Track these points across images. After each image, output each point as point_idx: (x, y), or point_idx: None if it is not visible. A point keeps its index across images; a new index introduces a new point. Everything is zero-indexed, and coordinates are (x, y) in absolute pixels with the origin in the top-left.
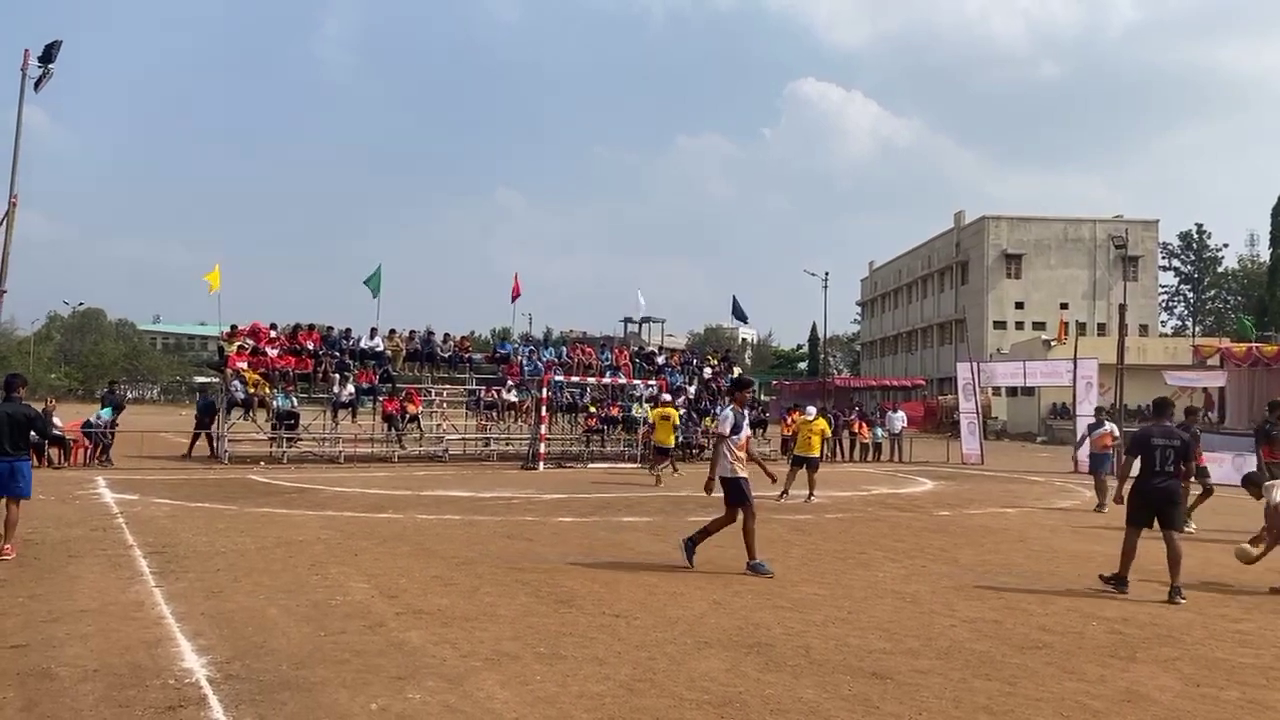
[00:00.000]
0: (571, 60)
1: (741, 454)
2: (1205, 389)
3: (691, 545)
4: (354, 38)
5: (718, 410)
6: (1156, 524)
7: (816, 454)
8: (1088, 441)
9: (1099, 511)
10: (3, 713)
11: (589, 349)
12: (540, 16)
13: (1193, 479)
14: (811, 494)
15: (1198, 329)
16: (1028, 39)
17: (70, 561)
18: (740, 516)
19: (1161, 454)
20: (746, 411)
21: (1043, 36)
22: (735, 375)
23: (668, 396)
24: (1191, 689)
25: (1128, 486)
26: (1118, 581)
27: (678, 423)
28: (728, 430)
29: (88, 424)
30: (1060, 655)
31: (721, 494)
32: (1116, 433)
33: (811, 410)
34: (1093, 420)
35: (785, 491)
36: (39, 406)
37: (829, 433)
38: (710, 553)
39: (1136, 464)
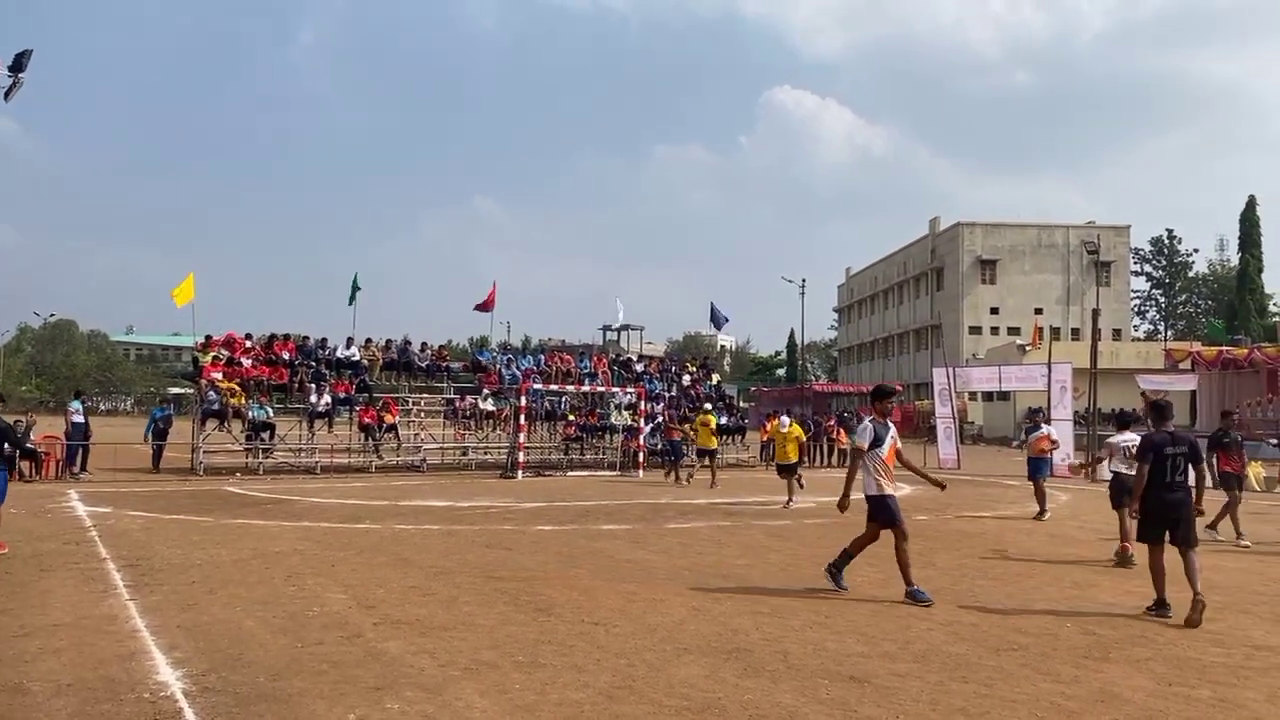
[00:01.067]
0: (548, 68)
1: (889, 469)
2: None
3: (837, 571)
4: (330, 46)
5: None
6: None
7: (794, 460)
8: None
9: (1039, 520)
10: None
11: (568, 357)
12: (517, 25)
13: (1215, 486)
14: (790, 500)
15: (1169, 333)
16: (1000, 47)
17: (42, 575)
18: (894, 539)
19: (1172, 463)
20: (890, 423)
21: (1015, 44)
22: (876, 385)
23: (709, 405)
24: (1164, 688)
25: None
26: (1159, 605)
27: (714, 428)
28: (866, 444)
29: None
30: (1035, 657)
31: (860, 514)
32: (1054, 435)
33: (785, 420)
34: (1030, 424)
35: (790, 500)
36: (18, 421)
37: (804, 439)
38: (690, 559)
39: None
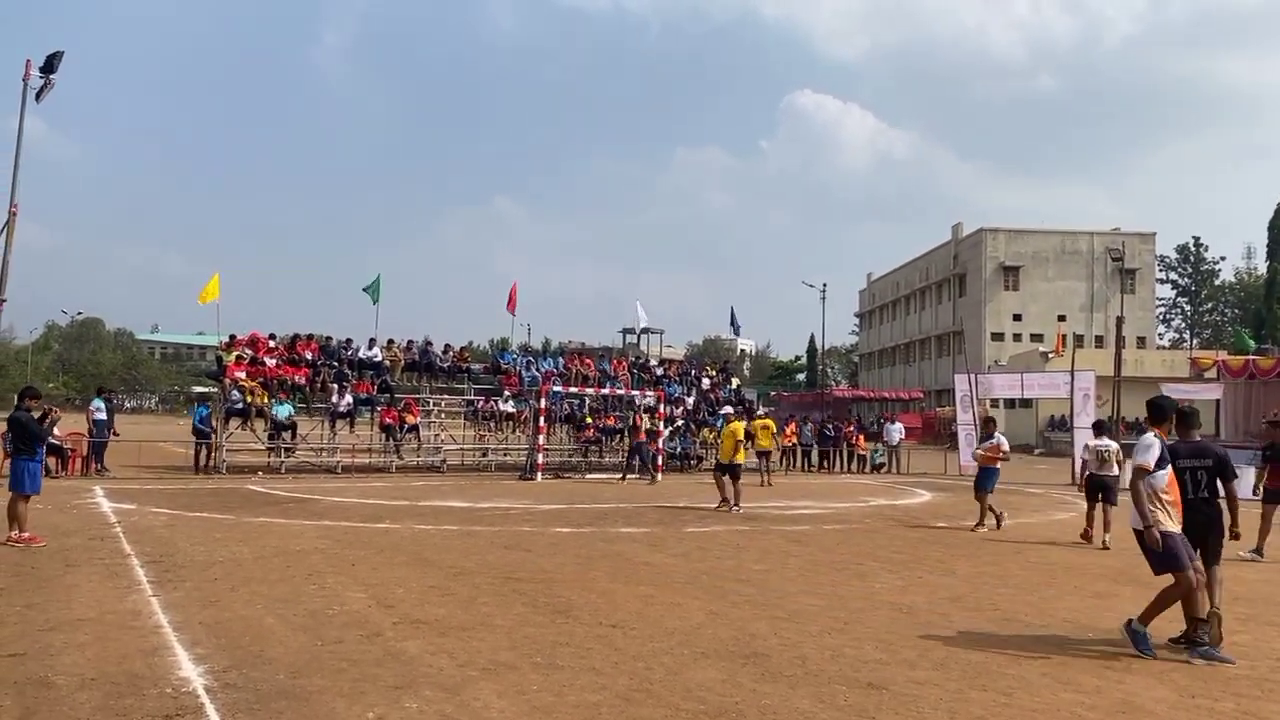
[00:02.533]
0: (568, 70)
1: (1168, 499)
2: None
3: (1139, 632)
4: (352, 47)
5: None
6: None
7: (739, 461)
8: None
9: (975, 531)
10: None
11: (588, 360)
12: (538, 28)
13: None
14: (736, 503)
15: (1195, 342)
16: (1025, 51)
17: (68, 570)
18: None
19: (1193, 476)
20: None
21: (1040, 49)
22: (1151, 398)
23: (728, 410)
24: (1186, 700)
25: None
26: (1192, 639)
27: (740, 437)
28: (1151, 463)
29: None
30: (1056, 666)
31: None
32: (1006, 446)
33: (729, 410)
34: (982, 431)
35: (725, 501)
36: (46, 410)
37: (741, 435)
38: (709, 563)
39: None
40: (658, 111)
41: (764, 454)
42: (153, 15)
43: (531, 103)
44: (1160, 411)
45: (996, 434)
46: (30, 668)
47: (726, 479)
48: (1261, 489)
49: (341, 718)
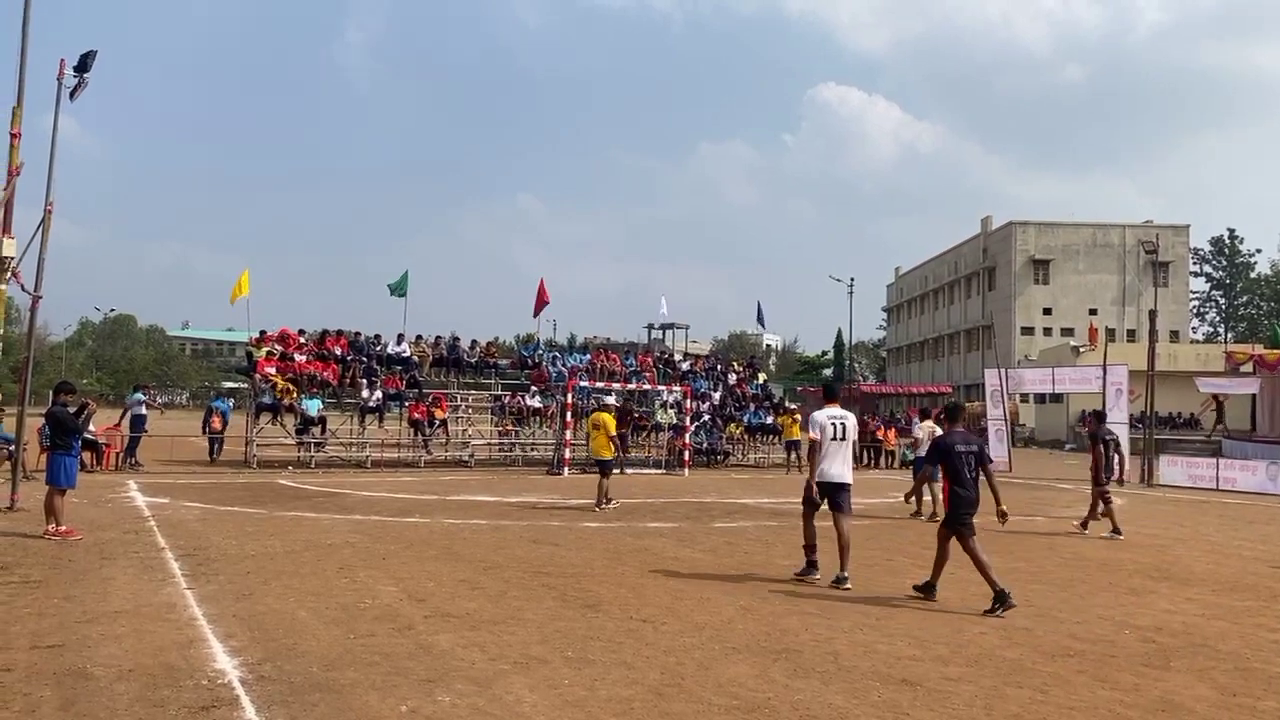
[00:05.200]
0: (592, 67)
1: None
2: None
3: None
4: (377, 45)
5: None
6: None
7: (607, 456)
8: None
9: (915, 518)
10: (41, 710)
11: (613, 355)
12: (561, 24)
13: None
14: (599, 501)
15: (1230, 335)
16: (1051, 42)
17: (104, 564)
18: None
19: (966, 460)
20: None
21: (1067, 39)
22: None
23: (611, 399)
24: (1228, 699)
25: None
26: (927, 589)
27: (614, 429)
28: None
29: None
30: (1093, 663)
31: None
32: (936, 433)
33: (610, 399)
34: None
35: (599, 502)
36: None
37: (612, 428)
38: (737, 558)
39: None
40: (680, 106)
41: (794, 444)
42: (180, 15)
43: (554, 98)
44: (955, 410)
45: (936, 425)
46: (69, 659)
47: (601, 479)
48: None
49: (374, 710)
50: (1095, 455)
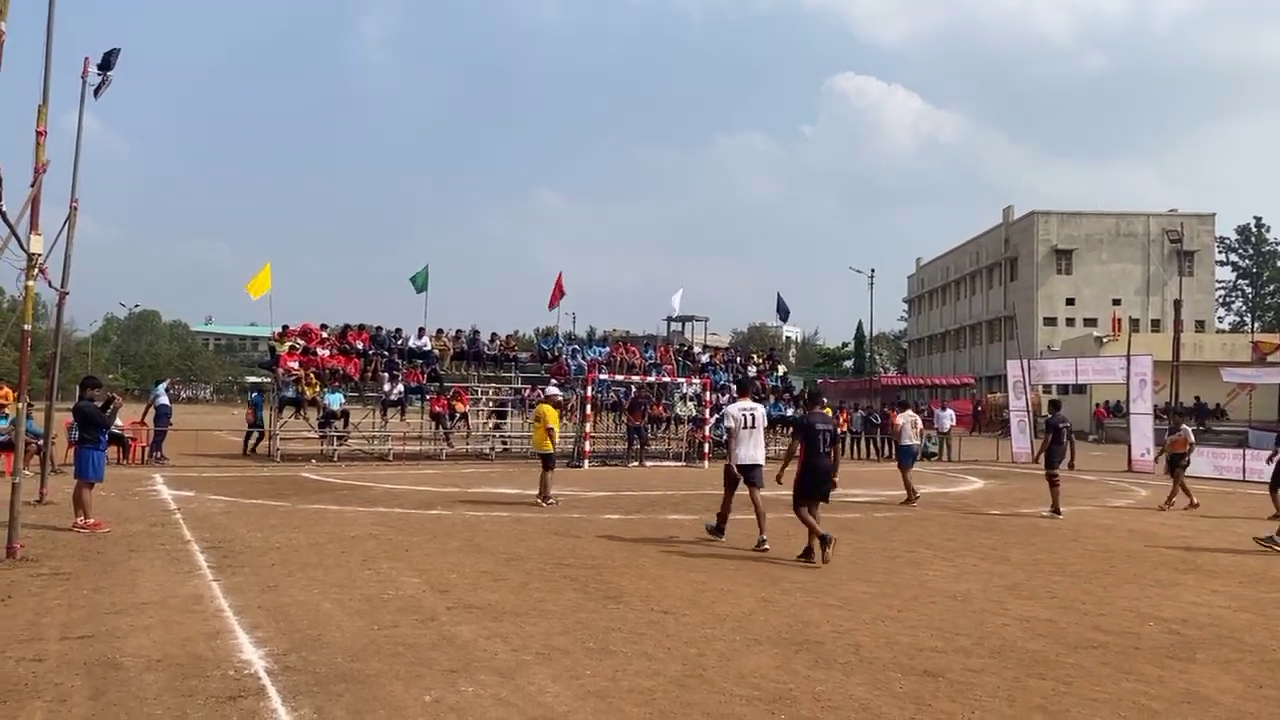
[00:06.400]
0: (610, 60)
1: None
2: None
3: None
4: (394, 39)
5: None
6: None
7: (547, 450)
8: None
9: (911, 504)
10: (71, 700)
11: (633, 348)
12: (579, 17)
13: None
14: (543, 496)
15: (1257, 325)
16: (1072, 30)
17: (131, 556)
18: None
19: (822, 437)
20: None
21: (1088, 28)
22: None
23: (553, 389)
24: (1254, 690)
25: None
26: (808, 553)
27: (553, 422)
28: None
29: (159, 412)
30: (1116, 655)
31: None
32: (1191, 438)
33: (554, 390)
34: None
35: (543, 497)
36: (109, 398)
37: (554, 420)
38: (757, 550)
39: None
40: (698, 99)
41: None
42: (197, 10)
43: (572, 92)
44: (815, 396)
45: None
46: (99, 649)
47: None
48: None
49: (399, 700)
50: (1045, 441)
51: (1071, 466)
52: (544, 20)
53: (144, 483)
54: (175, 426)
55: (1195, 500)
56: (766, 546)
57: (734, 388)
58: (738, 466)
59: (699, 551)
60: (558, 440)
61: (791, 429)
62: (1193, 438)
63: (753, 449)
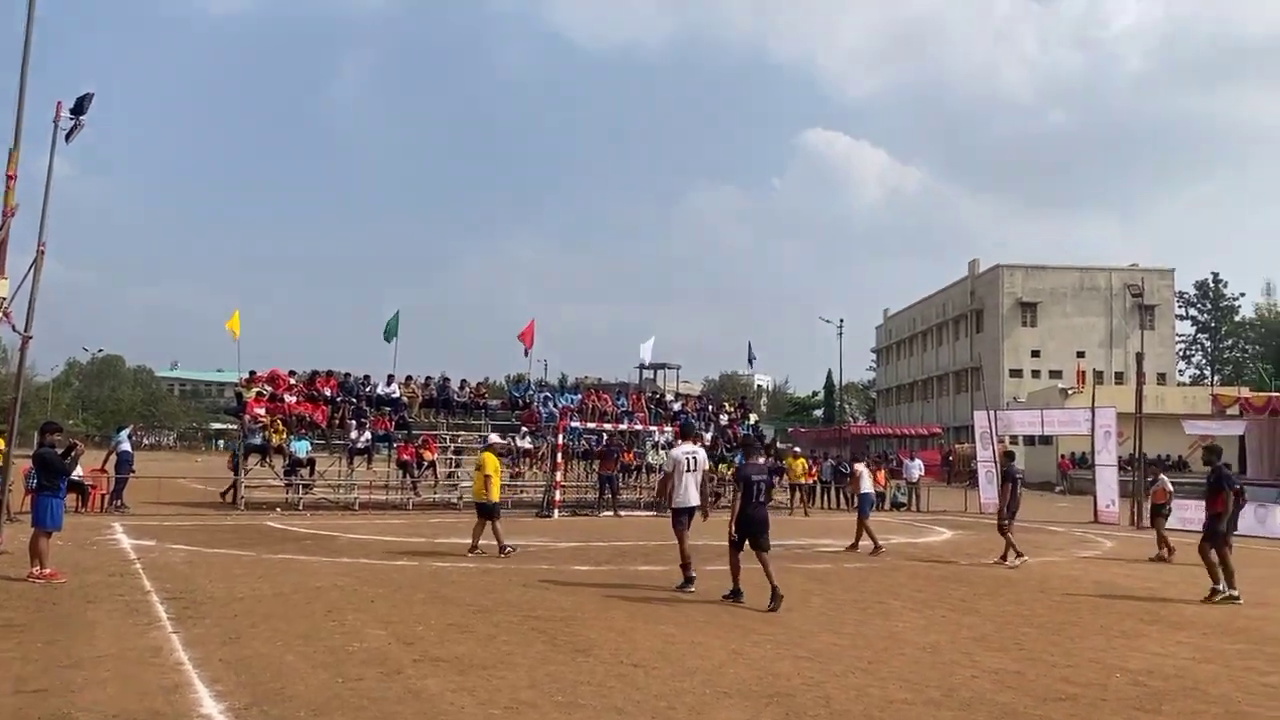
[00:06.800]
0: (583, 112)
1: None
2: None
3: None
4: (368, 86)
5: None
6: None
7: (483, 500)
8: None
9: (855, 550)
10: None
11: (605, 395)
12: (552, 69)
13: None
14: (476, 546)
15: (1216, 378)
16: (1034, 88)
17: (88, 607)
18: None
19: (758, 487)
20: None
21: (1049, 85)
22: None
23: (495, 437)
24: None
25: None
26: (734, 594)
27: (492, 472)
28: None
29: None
30: (1084, 707)
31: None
32: (1169, 487)
33: (494, 438)
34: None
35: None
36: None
37: (493, 469)
38: (728, 602)
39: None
40: (670, 150)
41: (801, 488)
42: (170, 54)
43: (547, 141)
44: (750, 446)
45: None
46: (53, 704)
47: (486, 522)
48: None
49: None
50: (1002, 492)
51: (1013, 515)
52: (517, 72)
53: (103, 531)
54: (137, 474)
55: (1172, 550)
56: (693, 590)
57: (706, 439)
58: (678, 510)
59: (669, 603)
60: (497, 490)
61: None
62: (1171, 487)
63: (691, 492)
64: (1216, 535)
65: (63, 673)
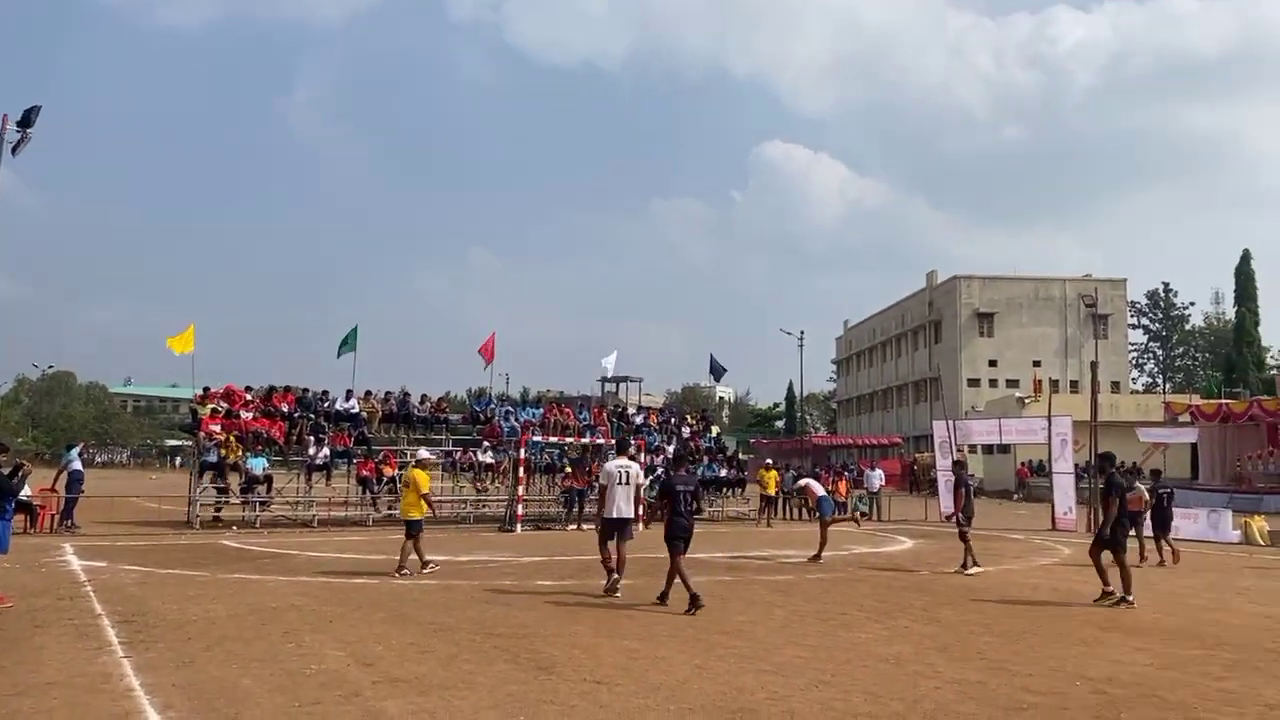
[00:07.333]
0: (545, 126)
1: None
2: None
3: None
4: (325, 103)
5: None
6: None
7: (414, 516)
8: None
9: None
10: None
11: (567, 409)
12: (512, 84)
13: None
14: (402, 566)
15: (1168, 386)
16: (989, 103)
17: (36, 632)
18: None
19: (684, 497)
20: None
21: (1004, 101)
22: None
23: (424, 453)
24: None
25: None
26: (661, 598)
27: (425, 488)
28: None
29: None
30: (1046, 715)
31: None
32: (1146, 496)
33: (425, 454)
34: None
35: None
36: (18, 465)
37: (425, 486)
38: (691, 615)
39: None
40: (631, 164)
41: (770, 500)
42: (124, 69)
43: (508, 155)
44: (679, 459)
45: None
46: None
47: (409, 542)
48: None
49: None
50: (958, 498)
51: (969, 520)
52: (478, 87)
53: (52, 553)
54: (88, 494)
55: (1143, 557)
56: (618, 594)
57: (669, 451)
58: (607, 520)
59: (632, 617)
60: (428, 507)
61: (658, 489)
62: (1147, 495)
63: (625, 504)
64: (1109, 540)
65: (9, 701)
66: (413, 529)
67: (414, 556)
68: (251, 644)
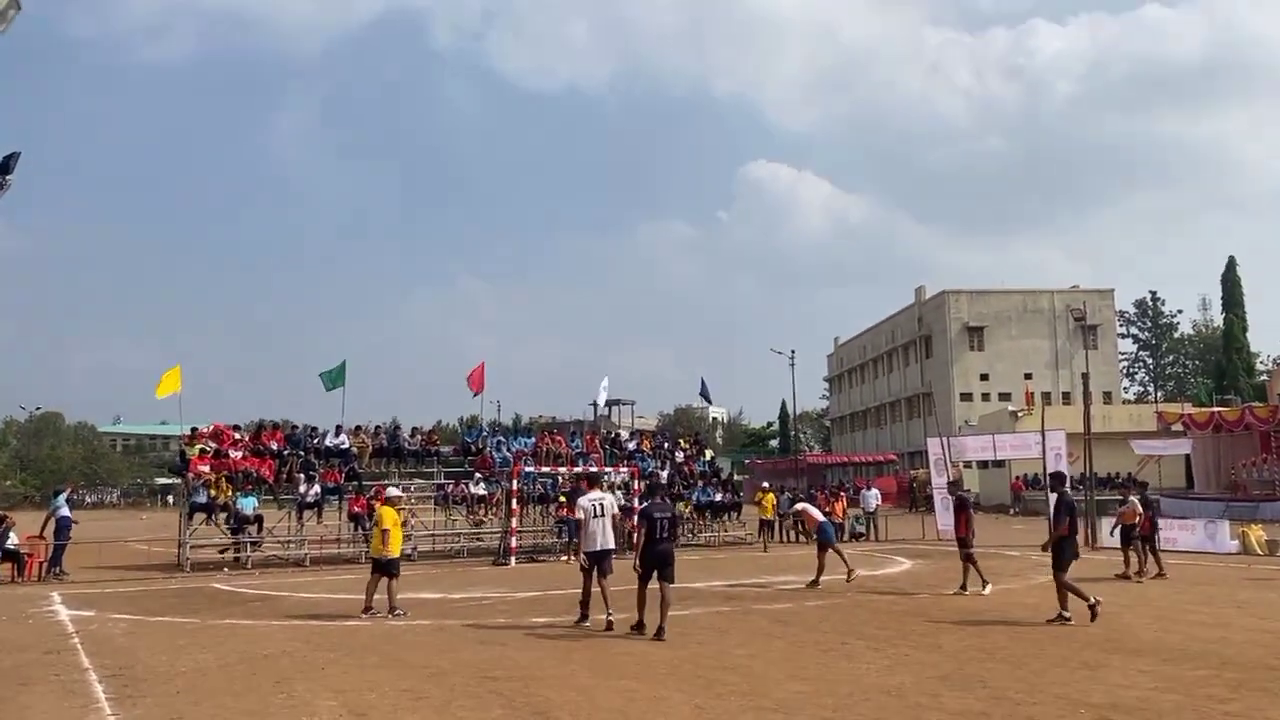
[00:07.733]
0: (530, 150)
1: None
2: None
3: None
4: (312, 132)
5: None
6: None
7: (392, 555)
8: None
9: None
10: None
11: (559, 436)
12: (497, 110)
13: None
14: (394, 607)
15: (1160, 394)
16: (970, 116)
17: (20, 690)
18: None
19: (661, 524)
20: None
21: (985, 113)
22: (650, 482)
23: (393, 490)
24: None
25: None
26: (639, 626)
27: (391, 526)
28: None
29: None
30: None
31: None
32: (1139, 509)
33: (394, 491)
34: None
35: (369, 607)
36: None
37: (391, 523)
38: (691, 649)
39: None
40: (617, 187)
41: (768, 524)
42: (105, 104)
43: (495, 181)
44: (653, 488)
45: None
46: None
47: (378, 578)
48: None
49: None
50: (964, 520)
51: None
52: (462, 113)
53: (40, 603)
54: (76, 540)
55: (1140, 572)
56: (587, 624)
57: (663, 476)
58: (588, 554)
59: (630, 654)
60: (397, 545)
61: (637, 518)
62: (1141, 508)
63: (603, 537)
64: (1055, 557)
65: None
66: (391, 568)
67: (381, 596)
68: (241, 696)
